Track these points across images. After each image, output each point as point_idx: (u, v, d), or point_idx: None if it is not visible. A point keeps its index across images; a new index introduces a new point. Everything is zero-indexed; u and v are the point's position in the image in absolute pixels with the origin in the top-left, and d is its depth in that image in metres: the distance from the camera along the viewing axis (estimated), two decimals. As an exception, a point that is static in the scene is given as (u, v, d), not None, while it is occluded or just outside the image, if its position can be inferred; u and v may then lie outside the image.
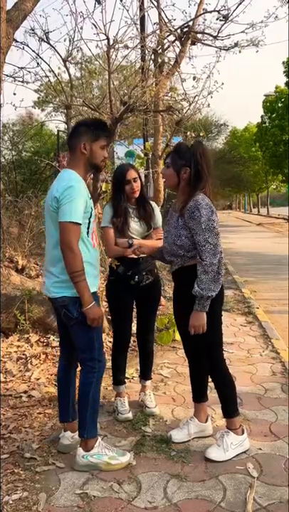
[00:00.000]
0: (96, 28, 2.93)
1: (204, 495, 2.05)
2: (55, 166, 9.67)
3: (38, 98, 13.09)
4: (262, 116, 31.96)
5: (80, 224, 2.14)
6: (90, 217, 2.25)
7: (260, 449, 2.44)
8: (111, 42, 2.95)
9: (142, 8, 3.82)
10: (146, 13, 4.08)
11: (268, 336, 4.52)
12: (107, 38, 2.94)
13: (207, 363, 2.44)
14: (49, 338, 4.30)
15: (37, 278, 5.89)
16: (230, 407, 2.42)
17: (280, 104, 28.92)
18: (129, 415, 2.80)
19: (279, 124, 27.88)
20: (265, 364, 3.76)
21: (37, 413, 2.90)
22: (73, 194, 2.11)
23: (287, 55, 24.27)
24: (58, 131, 12.75)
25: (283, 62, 25.65)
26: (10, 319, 4.35)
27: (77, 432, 2.37)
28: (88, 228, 2.24)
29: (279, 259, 10.92)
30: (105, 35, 2.90)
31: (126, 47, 3.11)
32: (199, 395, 2.59)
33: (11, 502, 2.03)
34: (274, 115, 29.47)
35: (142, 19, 4.30)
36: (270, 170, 33.05)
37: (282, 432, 2.61)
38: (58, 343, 4.17)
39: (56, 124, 19.50)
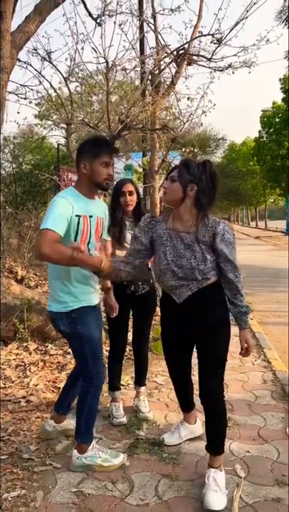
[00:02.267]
0: (96, 52, 3.12)
1: (193, 493, 2.16)
2: (55, 180, 9.88)
3: (39, 112, 13.36)
4: (259, 131, 32.46)
5: (55, 231, 2.05)
6: (76, 236, 2.23)
7: (248, 451, 2.55)
8: (110, 65, 3.13)
9: (140, 31, 4.03)
10: (144, 36, 4.28)
11: (261, 345, 4.64)
12: (106, 62, 3.13)
13: (208, 384, 2.23)
14: (47, 346, 4.41)
15: (36, 288, 6.02)
16: (221, 444, 2.25)
17: (277, 120, 29.42)
18: (124, 420, 2.91)
19: (276, 139, 28.34)
20: (256, 372, 3.88)
21: (35, 417, 3.01)
22: (52, 205, 2.17)
23: (283, 72, 24.74)
24: (58, 145, 13.00)
25: (280, 79, 26.16)
26: (9, 328, 4.47)
27: (60, 424, 2.66)
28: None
29: (275, 272, 11.07)
30: (104, 59, 3.10)
31: (124, 69, 3.29)
32: (187, 407, 2.70)
33: (9, 499, 2.13)
34: (271, 130, 29.95)
35: (141, 41, 4.52)
36: (267, 184, 33.42)
37: (270, 436, 2.72)
38: (56, 351, 4.31)
39: (57, 138, 19.82)
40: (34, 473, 2.37)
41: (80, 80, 5.04)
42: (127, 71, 3.31)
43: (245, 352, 2.23)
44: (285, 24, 12.25)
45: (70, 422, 2.69)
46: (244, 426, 2.87)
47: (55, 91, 4.76)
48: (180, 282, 2.17)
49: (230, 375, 3.75)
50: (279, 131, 28.23)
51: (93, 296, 2.42)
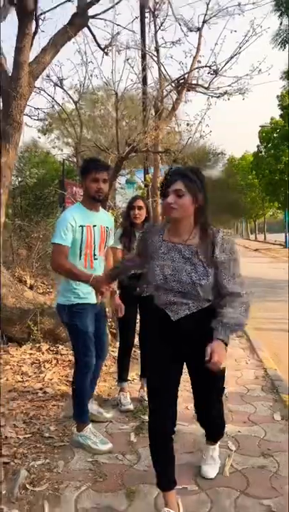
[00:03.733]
0: (106, 85, 3.59)
1: (192, 461, 2.55)
2: (61, 193, 10.32)
3: (42, 127, 13.94)
4: (258, 146, 33.11)
5: (61, 244, 2.59)
6: (82, 243, 2.69)
7: (239, 431, 2.94)
8: (119, 96, 3.60)
9: (144, 68, 4.54)
10: (148, 69, 4.78)
11: (254, 347, 5.04)
12: (116, 94, 3.59)
13: (209, 414, 2.25)
14: (58, 347, 4.81)
15: (46, 294, 6.41)
16: (220, 437, 2.48)
17: (275, 135, 30.10)
18: (131, 407, 3.31)
19: (274, 154, 28.95)
20: (249, 370, 4.27)
21: (52, 405, 3.40)
22: (59, 220, 2.71)
23: (281, 88, 25.45)
24: (64, 159, 13.50)
25: (277, 96, 26.89)
26: (23, 330, 4.88)
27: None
28: (80, 253, 2.70)
29: (272, 283, 11.47)
30: (114, 91, 3.56)
31: (131, 99, 3.76)
32: (168, 482, 2.10)
33: (35, 466, 2.53)
34: (269, 145, 30.61)
35: (143, 70, 5.02)
36: (266, 197, 33.99)
37: (259, 421, 3.11)
38: (67, 351, 4.70)
39: (60, 152, 20.36)
40: (55, 447, 2.76)
41: (88, 104, 5.52)
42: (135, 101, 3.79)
43: (212, 362, 1.80)
44: (281, 47, 12.93)
45: (92, 407, 3.08)
46: (236, 412, 3.26)
47: (67, 115, 5.24)
48: (178, 299, 1.96)
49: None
50: (277, 146, 28.86)
51: (93, 295, 2.73)
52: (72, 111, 6.04)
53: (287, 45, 13.04)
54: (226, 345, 1.88)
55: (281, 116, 27.86)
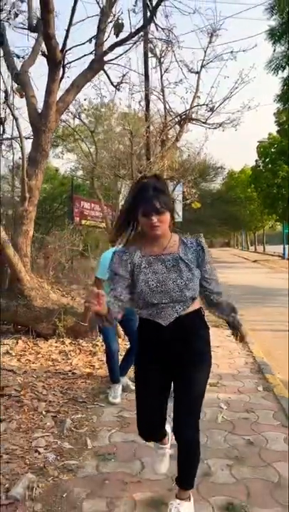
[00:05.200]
0: (124, 126, 4.49)
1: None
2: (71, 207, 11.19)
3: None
4: (256, 161, 34.15)
5: (100, 278, 3.66)
6: None
7: (230, 397, 3.78)
8: (133, 134, 4.50)
9: (148, 105, 5.49)
10: (152, 102, 5.73)
11: (247, 342, 5.87)
12: (131, 132, 4.49)
13: (185, 421, 2.07)
14: (78, 341, 5.65)
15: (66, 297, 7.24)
16: (192, 478, 2.17)
17: (273, 150, 31.15)
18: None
19: (272, 169, 29.97)
20: (241, 358, 5.11)
21: (80, 382, 4.24)
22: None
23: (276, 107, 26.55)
24: (72, 176, 14.47)
25: (274, 113, 27.99)
26: (49, 327, 5.72)
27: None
28: None
29: (269, 291, 12.30)
30: (130, 131, 4.47)
31: (143, 136, 4.65)
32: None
33: (75, 419, 3.36)
34: (267, 160, 31.64)
35: (147, 105, 5.99)
36: (264, 210, 34.91)
37: (247, 391, 3.95)
38: (86, 344, 5.54)
39: (70, 168, 21.35)
40: (88, 408, 3.60)
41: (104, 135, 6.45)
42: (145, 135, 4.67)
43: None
44: (274, 72, 13.98)
45: (123, 380, 3.96)
46: (228, 386, 4.09)
47: (86, 144, 6.17)
48: (166, 306, 1.97)
49: (221, 359, 4.98)
50: (274, 161, 29.88)
51: None
52: (87, 137, 6.99)
53: (279, 71, 14.11)
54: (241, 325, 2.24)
55: (278, 132, 28.97)
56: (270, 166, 30.67)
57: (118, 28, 5.05)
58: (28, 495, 2.32)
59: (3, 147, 6.80)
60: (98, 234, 13.70)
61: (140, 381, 2.13)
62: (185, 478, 2.16)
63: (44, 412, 3.43)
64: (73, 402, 3.71)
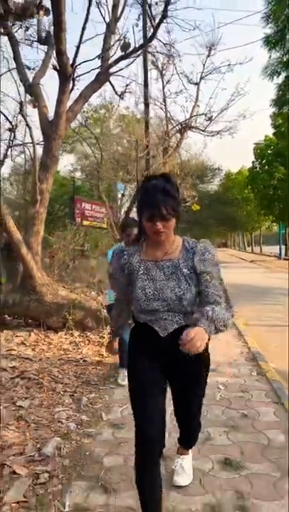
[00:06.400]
0: (130, 140, 4.93)
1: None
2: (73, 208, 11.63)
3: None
4: (253, 162, 34.65)
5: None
6: None
7: (227, 381, 4.22)
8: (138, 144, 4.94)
9: (147, 114, 5.96)
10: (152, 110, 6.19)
11: (242, 334, 6.32)
12: (136, 141, 4.93)
13: (189, 425, 2.31)
14: (86, 333, 6.07)
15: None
16: (194, 441, 2.46)
17: (269, 151, 31.66)
18: None
19: (268, 170, 30.48)
20: (236, 348, 5.55)
21: (91, 368, 4.67)
22: None
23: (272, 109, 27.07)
24: (74, 179, 14.91)
25: (270, 116, 28.51)
26: (59, 320, 6.15)
27: None
28: None
29: (264, 290, 12.76)
30: (136, 140, 4.90)
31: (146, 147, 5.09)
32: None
33: (89, 397, 3.79)
34: (264, 161, 32.15)
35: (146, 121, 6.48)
36: (261, 211, 35.42)
37: (242, 376, 4.39)
38: (94, 336, 5.97)
39: (68, 169, 21.79)
40: (100, 389, 4.03)
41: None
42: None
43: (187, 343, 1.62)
44: (270, 78, 14.48)
45: None
46: (225, 372, 4.53)
47: (93, 152, 6.61)
48: (165, 315, 1.89)
49: (218, 349, 5.42)
50: (270, 163, 30.39)
51: None
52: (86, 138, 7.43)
53: (274, 77, 14.61)
54: (208, 339, 1.69)
55: (274, 134, 29.50)
56: (266, 167, 31.19)
57: (125, 47, 5.49)
58: (57, 453, 2.76)
59: (15, 153, 7.23)
60: (97, 234, 14.12)
61: (135, 381, 2.03)
62: (186, 440, 2.45)
63: (62, 392, 3.86)
64: (87, 384, 4.15)
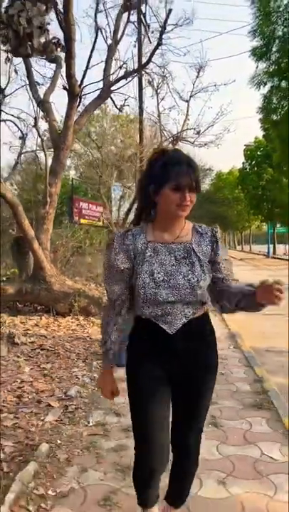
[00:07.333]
0: (131, 154, 5.84)
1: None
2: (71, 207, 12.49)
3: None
4: (243, 163, 35.73)
5: None
6: None
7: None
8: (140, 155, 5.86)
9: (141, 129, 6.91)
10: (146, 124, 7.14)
11: (224, 319, 7.29)
12: (136, 154, 5.83)
13: (187, 441, 1.84)
14: (90, 318, 6.99)
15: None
16: (184, 500, 2.01)
17: (259, 153, 32.72)
18: None
19: (257, 171, 31.57)
20: (220, 329, 6.51)
21: (97, 343, 5.58)
22: None
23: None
24: (72, 178, 15.69)
25: (260, 119, 29.53)
26: (66, 307, 7.06)
27: None
28: None
29: (248, 284, 13.75)
30: (140, 151, 5.81)
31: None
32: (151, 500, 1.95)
33: (99, 363, 4.71)
34: (253, 162, 33.22)
35: (140, 132, 7.41)
36: (251, 210, 36.54)
37: (221, 349, 5.26)
38: (97, 320, 6.88)
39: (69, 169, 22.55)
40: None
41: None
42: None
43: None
44: (256, 87, 15.47)
45: None
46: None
47: (95, 160, 7.52)
48: (174, 307, 1.64)
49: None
50: (260, 164, 31.47)
51: None
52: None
53: (261, 86, 15.61)
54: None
55: (264, 136, 30.55)
56: (255, 168, 32.28)
57: (127, 73, 6.41)
58: (79, 395, 3.68)
59: (23, 158, 8.10)
60: (93, 232, 14.95)
61: (137, 395, 1.83)
62: (175, 496, 1.97)
63: (75, 359, 4.78)
64: (95, 354, 5.06)
